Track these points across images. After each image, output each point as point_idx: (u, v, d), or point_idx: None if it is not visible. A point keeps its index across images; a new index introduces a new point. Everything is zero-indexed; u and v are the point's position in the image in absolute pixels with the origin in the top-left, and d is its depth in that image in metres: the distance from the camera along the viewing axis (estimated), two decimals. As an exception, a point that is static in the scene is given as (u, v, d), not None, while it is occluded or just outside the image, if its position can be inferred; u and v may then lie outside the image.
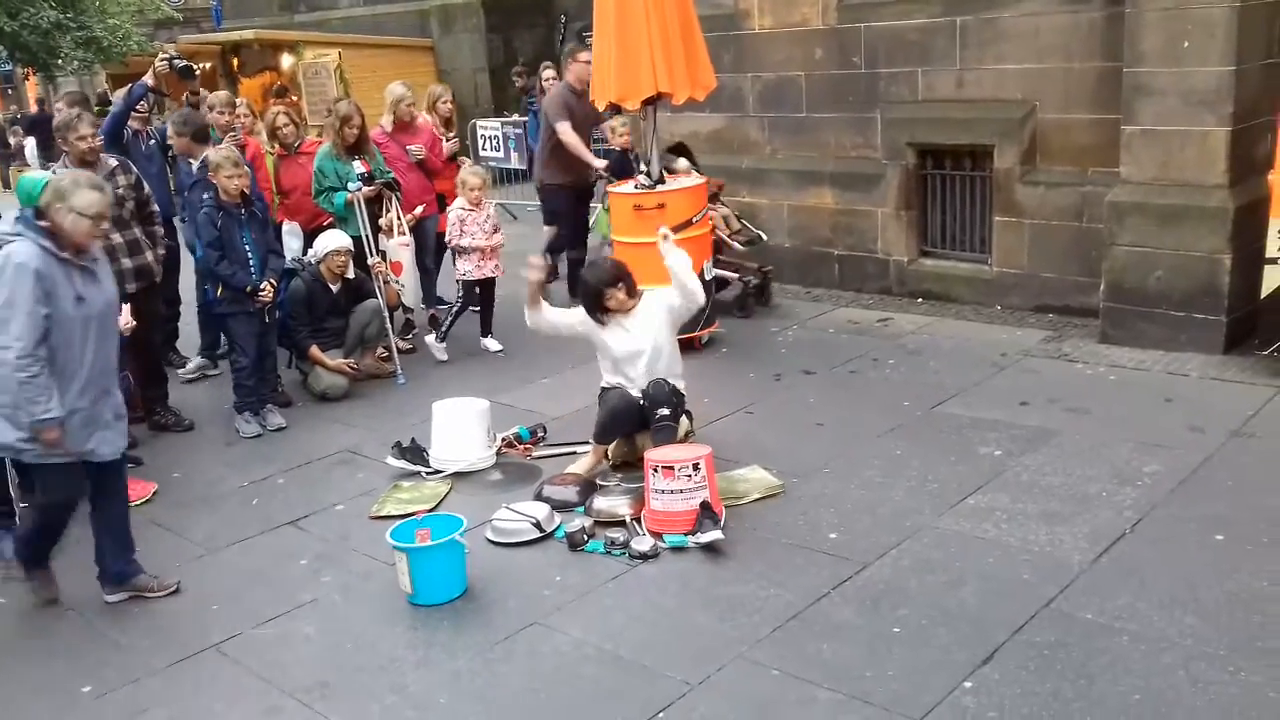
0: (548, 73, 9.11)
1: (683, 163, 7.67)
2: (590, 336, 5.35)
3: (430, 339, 7.44)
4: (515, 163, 12.52)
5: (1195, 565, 4.05)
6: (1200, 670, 3.42)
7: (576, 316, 5.37)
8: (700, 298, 5.31)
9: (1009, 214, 7.36)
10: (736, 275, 7.87)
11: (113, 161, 6.06)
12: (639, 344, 5.23)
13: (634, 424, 5.22)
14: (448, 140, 8.22)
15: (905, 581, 4.11)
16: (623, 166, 7.83)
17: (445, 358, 7.34)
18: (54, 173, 5.96)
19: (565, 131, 7.91)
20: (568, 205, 8.28)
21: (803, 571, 4.24)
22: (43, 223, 3.89)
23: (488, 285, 7.42)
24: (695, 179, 7.18)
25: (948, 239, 7.94)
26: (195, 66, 7.60)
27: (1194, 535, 4.27)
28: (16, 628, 4.37)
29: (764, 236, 8.16)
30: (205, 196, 6.18)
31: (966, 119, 7.46)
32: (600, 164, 7.99)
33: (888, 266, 8.09)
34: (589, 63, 7.63)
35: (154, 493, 5.50)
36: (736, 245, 7.87)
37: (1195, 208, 6.17)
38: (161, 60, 7.38)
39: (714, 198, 7.81)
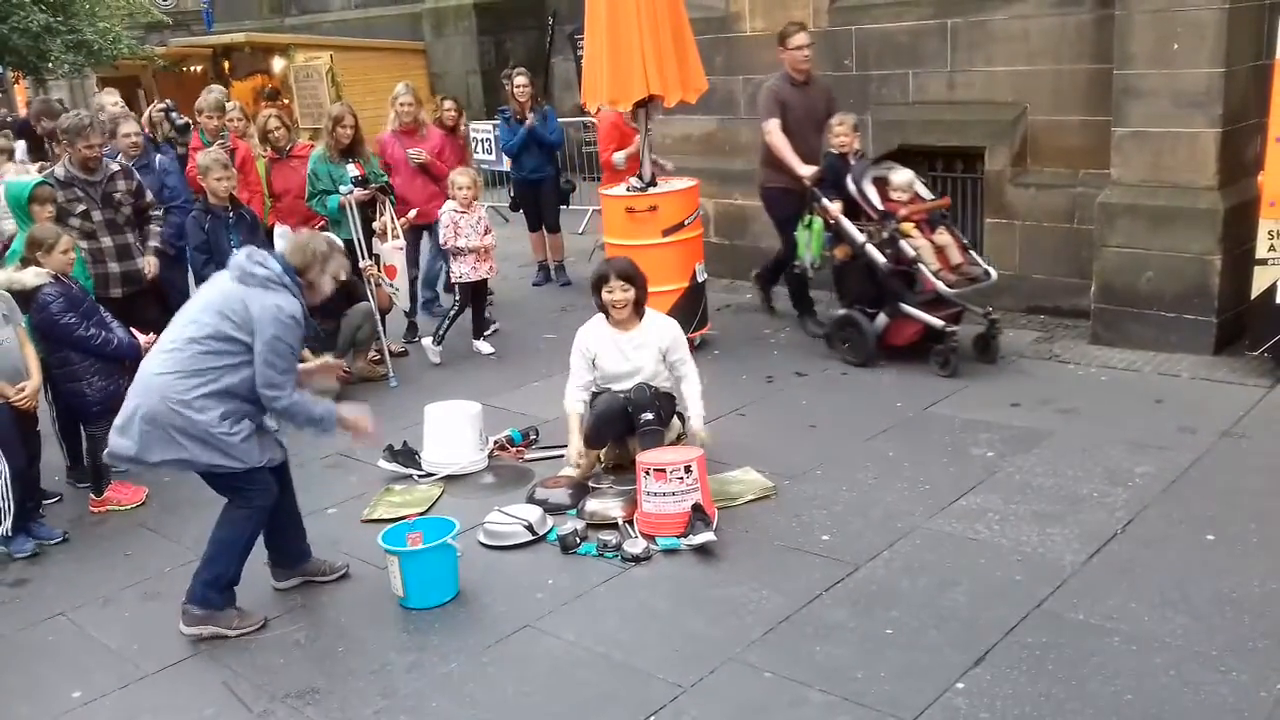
0: (519, 79, 8.93)
1: (903, 175, 6.55)
2: (591, 355, 5.27)
3: (426, 341, 7.43)
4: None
5: (1186, 566, 4.06)
6: (1191, 671, 3.43)
7: (579, 360, 5.27)
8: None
9: (1000, 215, 7.38)
10: (943, 324, 6.28)
11: (114, 166, 6.08)
12: (629, 368, 5.21)
13: (621, 428, 5.21)
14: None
15: (897, 583, 4.12)
16: (838, 174, 6.59)
17: (439, 360, 7.33)
18: (46, 175, 5.98)
19: (771, 131, 6.94)
20: (794, 211, 7.01)
21: (795, 573, 4.24)
22: (300, 280, 4.12)
23: (480, 287, 7.42)
24: (683, 182, 7.18)
25: (939, 241, 7.95)
26: (192, 124, 7.49)
27: (1185, 536, 4.28)
28: (4, 632, 4.35)
29: (992, 274, 6.51)
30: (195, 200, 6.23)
31: (957, 121, 7.47)
32: (808, 171, 6.72)
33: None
34: (803, 48, 6.97)
35: (146, 496, 5.49)
36: (943, 286, 6.19)
37: (1186, 209, 6.19)
38: (159, 111, 7.32)
39: (939, 221, 6.56)
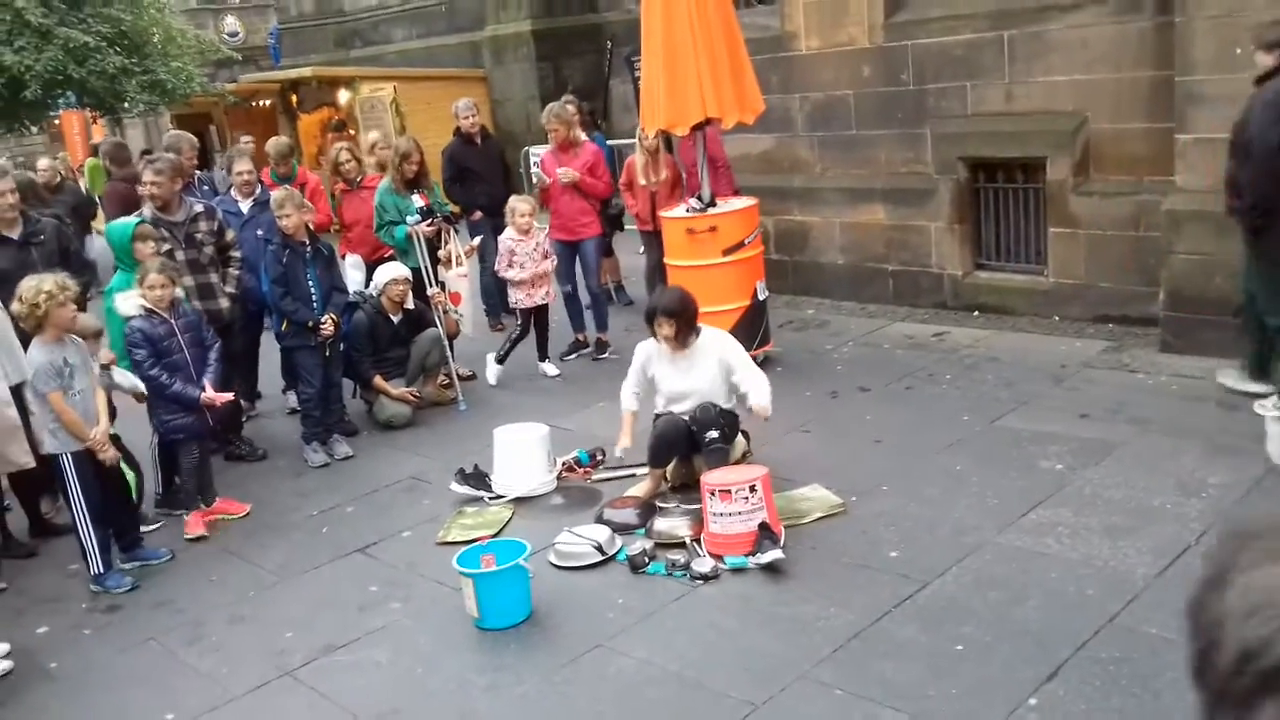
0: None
1: None
2: (648, 372, 5.42)
3: (490, 358, 7.55)
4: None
5: (1262, 577, 4.00)
6: (1269, 684, 3.38)
7: (637, 368, 5.45)
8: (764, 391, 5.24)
9: (1064, 225, 7.32)
10: None
11: (198, 207, 6.33)
12: (687, 387, 5.29)
13: (684, 447, 5.27)
14: None
15: (967, 599, 4.11)
16: None
17: (495, 382, 7.44)
18: (139, 217, 6.26)
19: None
20: None
21: (864, 590, 4.26)
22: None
23: (541, 311, 7.53)
24: (742, 201, 7.22)
25: (1002, 251, 7.91)
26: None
27: (1261, 547, 4.22)
28: (99, 657, 4.53)
29: None
30: (273, 236, 6.48)
31: (1017, 131, 7.44)
32: None
33: (942, 280, 8.08)
34: None
35: (246, 513, 5.77)
36: None
37: (1254, 214, 6.09)
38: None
39: None
